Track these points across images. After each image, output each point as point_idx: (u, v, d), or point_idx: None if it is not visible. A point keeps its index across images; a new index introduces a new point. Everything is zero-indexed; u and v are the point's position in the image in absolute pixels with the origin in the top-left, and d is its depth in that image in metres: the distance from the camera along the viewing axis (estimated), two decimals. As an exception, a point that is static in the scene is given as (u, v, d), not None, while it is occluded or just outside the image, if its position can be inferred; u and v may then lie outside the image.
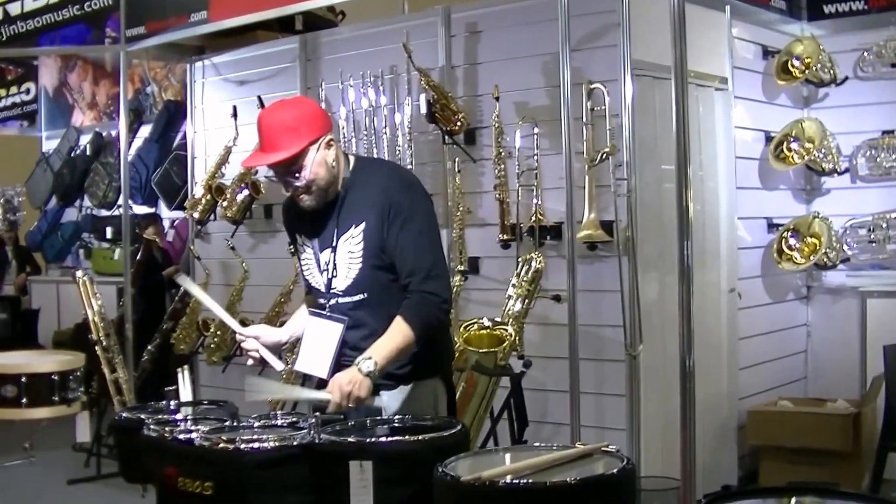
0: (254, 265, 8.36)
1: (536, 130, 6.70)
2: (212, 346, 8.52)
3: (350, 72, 7.61)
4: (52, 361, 6.03)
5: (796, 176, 8.05)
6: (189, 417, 4.33)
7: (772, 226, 7.83)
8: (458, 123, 6.92)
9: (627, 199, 6.32)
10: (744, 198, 7.57)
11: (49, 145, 12.90)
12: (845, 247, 7.72)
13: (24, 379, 5.72)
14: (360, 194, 4.31)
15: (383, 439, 3.79)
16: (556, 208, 6.65)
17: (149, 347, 8.69)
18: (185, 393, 4.76)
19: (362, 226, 4.26)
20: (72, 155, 12.16)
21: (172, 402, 4.69)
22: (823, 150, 7.62)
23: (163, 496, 3.96)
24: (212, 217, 8.57)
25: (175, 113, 11.01)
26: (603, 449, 3.57)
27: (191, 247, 8.84)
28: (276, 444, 3.72)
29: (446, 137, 6.99)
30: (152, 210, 10.76)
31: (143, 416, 4.43)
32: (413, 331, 4.12)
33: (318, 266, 4.42)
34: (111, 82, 12.48)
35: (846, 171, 7.79)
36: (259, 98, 8.04)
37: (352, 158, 4.46)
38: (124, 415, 4.58)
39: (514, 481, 3.24)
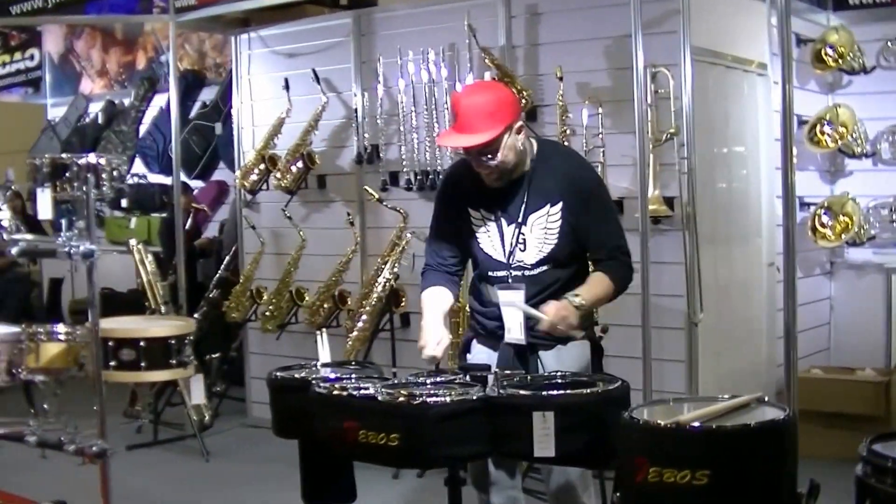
0: (308, 235, 8.56)
1: (601, 110, 7.04)
2: (266, 314, 8.70)
3: (407, 49, 7.88)
4: (168, 326, 6.25)
5: (822, 158, 8.48)
6: (355, 376, 4.67)
7: (803, 204, 8.26)
8: (524, 101, 7.21)
9: (688, 177, 6.69)
10: (779, 178, 7.96)
11: (54, 112, 12.97)
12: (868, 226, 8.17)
13: (142, 343, 5.92)
14: (549, 175, 4.66)
15: (562, 392, 4.16)
16: (617, 184, 7.00)
17: (195, 316, 8.79)
18: (325, 354, 5.05)
19: (559, 205, 4.63)
20: (80, 123, 12.23)
21: (318, 363, 5.00)
22: (854, 135, 8.03)
23: (340, 447, 4.29)
24: (264, 187, 8.78)
25: (193, 82, 11.22)
26: (757, 399, 3.96)
27: (244, 216, 9.03)
28: (457, 398, 4.06)
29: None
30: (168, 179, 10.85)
31: (297, 376, 4.86)
32: (615, 285, 4.61)
33: (503, 239, 4.72)
34: (122, 50, 12.61)
35: (872, 154, 8.21)
36: (314, 71, 8.34)
37: (534, 141, 4.80)
38: (279, 374, 4.92)
39: (708, 424, 3.62)
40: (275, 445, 8.24)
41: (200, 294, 9.46)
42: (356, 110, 8.28)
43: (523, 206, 4.65)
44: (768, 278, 7.81)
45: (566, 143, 7.05)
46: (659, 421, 3.68)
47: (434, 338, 4.68)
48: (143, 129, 11.67)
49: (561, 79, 7.10)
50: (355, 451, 4.24)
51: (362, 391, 4.24)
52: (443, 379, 4.42)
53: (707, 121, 7.04)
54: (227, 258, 9.46)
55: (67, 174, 5.37)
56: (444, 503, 4.43)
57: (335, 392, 4.29)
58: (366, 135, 8.26)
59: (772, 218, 7.82)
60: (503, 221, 4.71)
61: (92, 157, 5.39)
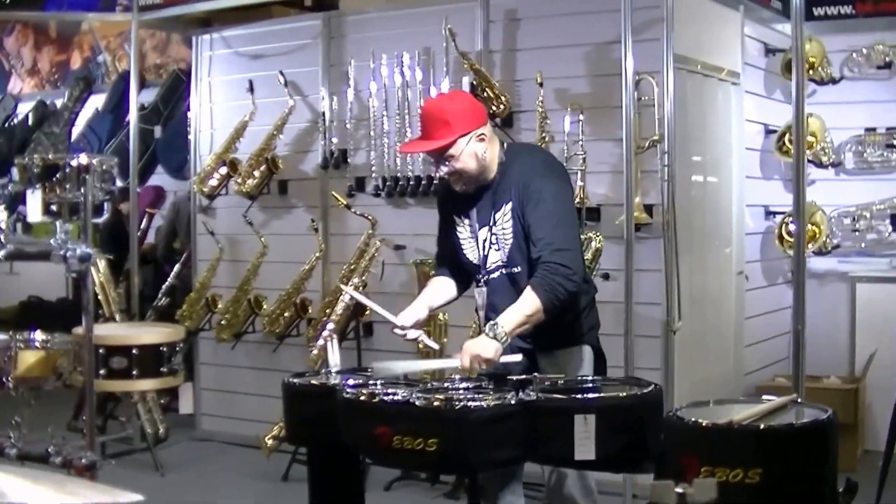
0: (267, 242, 8.44)
1: (581, 117, 7.02)
2: (222, 322, 8.55)
3: (381, 52, 7.79)
4: (158, 333, 6.12)
5: (785, 167, 8.54)
6: (380, 382, 4.58)
7: (769, 213, 8.35)
8: (502, 107, 7.19)
9: (668, 185, 6.69)
10: (750, 187, 8.08)
11: (-22, 113, 12.65)
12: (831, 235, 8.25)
13: (135, 351, 5.77)
14: (509, 176, 4.72)
15: (602, 395, 4.18)
16: (595, 191, 7.01)
17: (143, 324, 8.61)
18: (334, 360, 4.95)
19: (510, 205, 4.69)
20: (8, 124, 11.92)
21: (331, 369, 4.91)
22: (822, 145, 8.10)
23: (372, 453, 4.32)
24: (223, 191, 8.64)
25: (134, 83, 11.00)
26: (792, 400, 4.05)
27: (203, 221, 8.87)
28: (495, 402, 4.04)
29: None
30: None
31: (314, 382, 4.78)
32: (540, 300, 4.47)
33: (477, 242, 4.82)
34: (56, 49, 12.33)
35: (836, 164, 8.29)
36: (281, 73, 8.20)
37: (505, 145, 4.87)
38: (295, 381, 4.82)
39: (761, 424, 3.68)
40: (228, 459, 8.25)
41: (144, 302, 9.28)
42: (323, 114, 8.16)
43: (492, 209, 4.75)
44: (737, 287, 7.84)
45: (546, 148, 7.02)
46: (713, 421, 3.72)
47: (409, 320, 4.86)
48: (75, 131, 11.35)
49: (541, 84, 7.07)
50: (389, 456, 4.22)
51: (393, 396, 4.20)
52: (469, 384, 4.41)
53: (685, 128, 7.04)
54: (178, 265, 9.26)
55: (58, 175, 5.20)
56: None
57: (363, 398, 4.24)
58: (333, 139, 8.13)
59: (741, 226, 7.89)
60: (477, 226, 4.82)
61: (84, 158, 5.24)
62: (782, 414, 3.88)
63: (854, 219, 8.23)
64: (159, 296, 9.18)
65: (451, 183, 4.77)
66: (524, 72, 7.36)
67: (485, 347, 4.41)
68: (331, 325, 7.78)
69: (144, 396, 7.87)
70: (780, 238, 8.16)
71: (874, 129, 8.37)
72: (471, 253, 4.87)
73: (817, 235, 8.00)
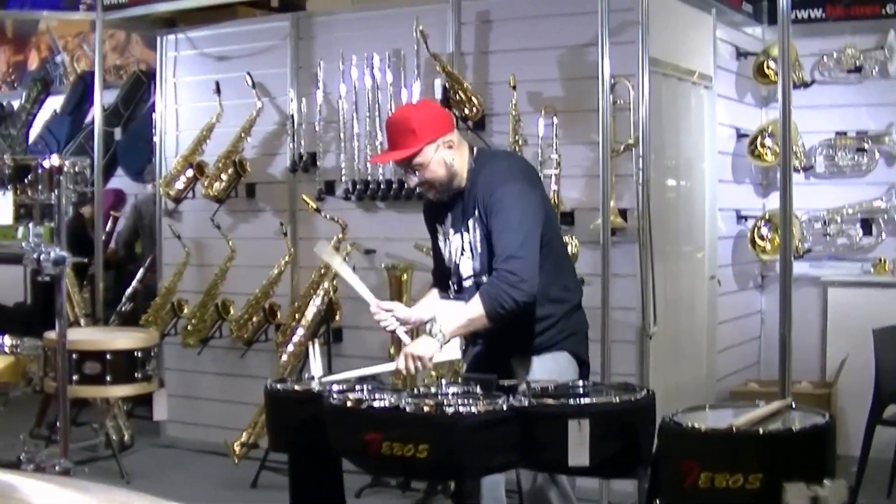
0: (234, 246, 8.33)
1: (555, 120, 6.97)
2: (188, 328, 8.44)
3: (350, 53, 7.70)
4: (132, 338, 6.00)
5: (756, 171, 8.56)
6: (367, 387, 4.51)
7: (740, 217, 8.34)
8: (474, 109, 7.13)
9: (643, 189, 6.64)
10: (722, 191, 8.07)
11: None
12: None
13: (108, 356, 5.65)
14: (477, 184, 4.72)
15: (596, 400, 4.12)
16: (569, 196, 6.97)
17: (107, 330, 8.43)
18: (316, 366, 4.88)
19: (477, 212, 4.69)
20: (-38, 127, 11.76)
21: (314, 375, 4.83)
22: (795, 149, 8.08)
23: (362, 460, 4.21)
24: (190, 195, 8.53)
25: (92, 84, 10.84)
26: (787, 405, 4.04)
27: (169, 224, 8.74)
28: (487, 407, 3.97)
29: (460, 122, 7.18)
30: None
31: (296, 388, 4.73)
32: (483, 306, 4.49)
33: (451, 250, 4.85)
34: (12, 49, 12.15)
35: (809, 168, 8.29)
36: (249, 75, 8.10)
37: (475, 151, 4.87)
38: (278, 386, 4.75)
39: (762, 429, 3.67)
40: (195, 466, 8.15)
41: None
42: (291, 116, 8.07)
43: (462, 216, 4.77)
44: (709, 291, 7.81)
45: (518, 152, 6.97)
46: (711, 426, 3.72)
47: (390, 305, 4.95)
48: (33, 132, 11.18)
49: (514, 87, 7.01)
50: (379, 463, 4.18)
51: (381, 402, 4.12)
52: (456, 389, 4.31)
53: (660, 132, 7.01)
54: (142, 270, 9.14)
55: (30, 177, 5.09)
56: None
57: (350, 404, 4.17)
58: (301, 142, 8.04)
59: (714, 231, 7.86)
60: (451, 232, 4.85)
61: (55, 159, 5.13)
62: (779, 419, 3.86)
63: (825, 223, 8.23)
64: (123, 300, 9.07)
65: (424, 192, 4.85)
66: (497, 74, 7.30)
67: (420, 346, 4.49)
68: (301, 331, 7.70)
69: (117, 403, 7.76)
70: (753, 242, 8.12)
71: (845, 133, 8.38)
72: (448, 260, 4.90)
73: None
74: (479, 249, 4.70)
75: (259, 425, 7.69)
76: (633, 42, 6.64)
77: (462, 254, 4.76)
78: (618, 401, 4.09)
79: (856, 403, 7.20)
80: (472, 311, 4.51)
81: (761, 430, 3.65)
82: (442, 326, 4.49)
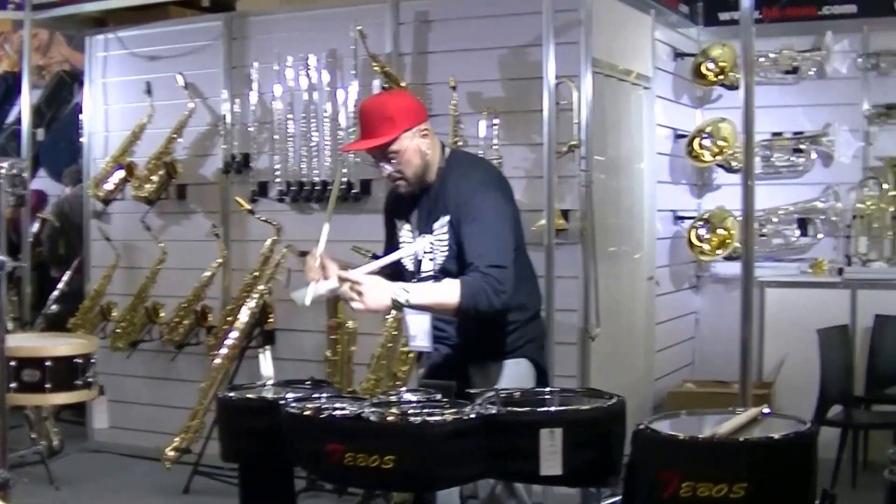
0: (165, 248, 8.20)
1: (496, 121, 6.90)
2: (117, 331, 8.29)
3: (286, 54, 7.60)
4: (72, 344, 5.84)
5: (691, 171, 8.56)
6: (325, 395, 4.37)
7: (677, 218, 8.33)
8: (415, 110, 7.03)
9: (586, 190, 6.60)
10: (660, 192, 8.07)
11: None
12: (738, 240, 8.25)
13: (48, 363, 5.49)
14: (448, 186, 4.60)
15: (567, 408, 4.02)
16: (510, 198, 6.91)
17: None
18: (268, 371, 4.78)
19: (447, 217, 4.57)
20: None
21: (267, 382, 4.72)
22: (733, 150, 8.09)
23: (323, 471, 4.08)
24: (119, 196, 8.39)
25: (14, 85, 10.63)
26: (763, 412, 3.91)
27: (98, 226, 8.59)
28: (455, 416, 3.83)
29: (399, 124, 7.10)
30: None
31: (249, 396, 4.57)
32: (459, 299, 4.34)
33: (414, 248, 4.71)
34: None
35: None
36: (182, 75, 7.97)
37: (447, 150, 4.77)
38: (231, 395, 4.59)
39: (746, 437, 3.58)
40: (125, 471, 8.01)
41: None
42: (224, 117, 7.95)
43: (429, 216, 4.65)
44: (647, 292, 7.80)
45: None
46: (691, 435, 3.61)
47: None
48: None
49: (454, 88, 6.94)
50: (341, 474, 4.02)
51: (341, 410, 3.96)
52: (417, 396, 4.18)
53: (602, 133, 6.97)
54: (68, 272, 8.95)
55: (-36, 179, 4.93)
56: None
57: (308, 412, 4.01)
58: (234, 143, 7.92)
59: (652, 232, 7.85)
60: (416, 232, 4.74)
61: (-6, 162, 4.98)
62: (758, 426, 3.77)
63: (761, 224, 8.24)
64: (49, 303, 8.87)
65: (396, 184, 4.65)
66: (436, 75, 7.23)
67: (380, 298, 4.31)
68: (234, 334, 7.57)
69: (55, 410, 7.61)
70: (691, 243, 8.11)
71: (781, 134, 8.43)
72: (407, 260, 4.75)
73: (728, 241, 7.97)
74: (444, 253, 4.59)
75: (192, 430, 7.58)
76: (574, 42, 6.60)
77: (426, 254, 4.64)
78: (590, 408, 3.98)
79: (794, 403, 7.20)
80: (447, 295, 4.35)
81: (748, 439, 3.56)
82: (410, 295, 4.33)
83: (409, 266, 4.73)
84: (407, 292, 4.32)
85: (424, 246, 4.65)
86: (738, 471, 3.39)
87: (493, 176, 4.83)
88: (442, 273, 4.57)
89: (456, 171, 4.65)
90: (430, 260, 4.63)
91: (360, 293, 4.28)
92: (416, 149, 4.55)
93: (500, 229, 4.54)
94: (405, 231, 4.77)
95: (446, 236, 4.56)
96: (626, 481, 3.75)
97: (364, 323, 7.19)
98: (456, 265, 4.55)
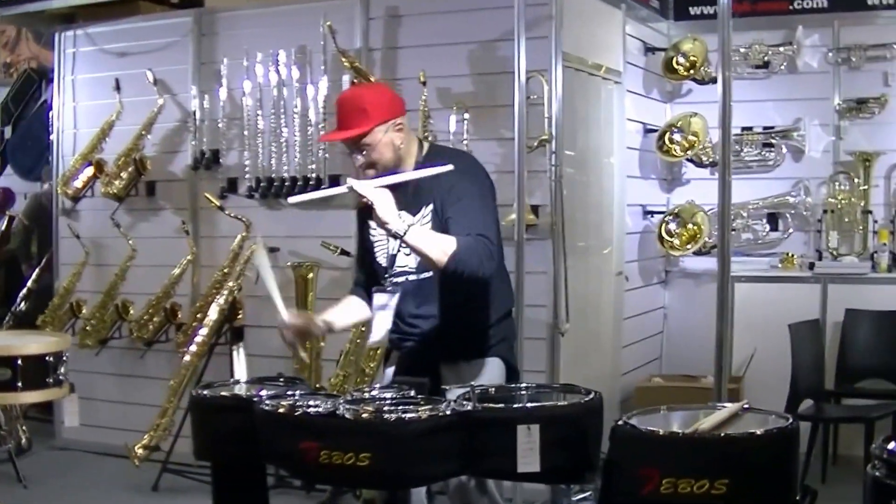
0: (134, 245, 8.16)
1: (466, 116, 6.89)
2: (86, 328, 8.26)
3: (255, 50, 7.57)
4: (43, 342, 5.78)
5: (661, 166, 8.57)
6: (299, 392, 4.32)
7: (647, 213, 8.34)
8: (383, 106, 7.02)
9: (555, 185, 6.60)
10: (630, 187, 8.08)
11: None
12: (708, 235, 8.26)
13: (19, 361, 5.43)
14: (431, 178, 4.50)
15: (544, 404, 4.02)
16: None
17: (-2, 332, 8.23)
18: (241, 369, 4.75)
19: (430, 206, 4.53)
20: None
21: (240, 379, 4.69)
22: (703, 144, 8.09)
23: (298, 470, 4.08)
24: (88, 193, 8.36)
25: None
26: (744, 407, 3.90)
27: (67, 224, 8.53)
28: (431, 413, 3.80)
29: (368, 119, 7.08)
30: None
31: (223, 394, 4.53)
32: (455, 249, 4.24)
33: (388, 246, 4.66)
34: None
35: (716, 164, 8.30)
36: (151, 71, 7.94)
37: (426, 145, 4.75)
38: (204, 392, 4.53)
39: (728, 433, 3.55)
40: (94, 469, 7.98)
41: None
42: (194, 113, 7.92)
43: (406, 209, 4.53)
44: (616, 287, 7.80)
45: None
46: (672, 431, 3.60)
47: (302, 322, 4.71)
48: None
49: (424, 83, 6.92)
50: (316, 472, 3.98)
51: (316, 408, 3.93)
52: (392, 394, 4.13)
53: (572, 128, 6.97)
54: (37, 269, 8.91)
55: None
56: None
57: (283, 410, 3.97)
58: (204, 139, 7.90)
59: (622, 226, 7.86)
60: None
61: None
62: (739, 421, 3.76)
63: (731, 218, 8.24)
64: (18, 300, 8.82)
65: (364, 175, 4.56)
66: (406, 70, 7.20)
67: (388, 212, 4.22)
68: (203, 331, 7.55)
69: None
70: (661, 238, 8.12)
71: (751, 129, 8.43)
72: (381, 256, 4.70)
73: (698, 236, 7.98)
74: None
75: (161, 427, 7.56)
76: (545, 37, 6.62)
77: (402, 248, 4.56)
78: (566, 404, 3.98)
79: (763, 398, 7.15)
80: (441, 245, 4.26)
81: (730, 435, 3.54)
82: (410, 231, 4.24)
83: (383, 262, 4.67)
84: (408, 227, 4.25)
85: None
86: (720, 467, 3.38)
87: (479, 166, 4.79)
88: (420, 268, 4.54)
89: (440, 161, 4.55)
90: (406, 255, 4.57)
91: (373, 202, 4.23)
92: (389, 142, 4.52)
93: (487, 208, 4.55)
94: (376, 231, 4.68)
95: (429, 225, 4.50)
96: (603, 478, 3.71)
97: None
98: None
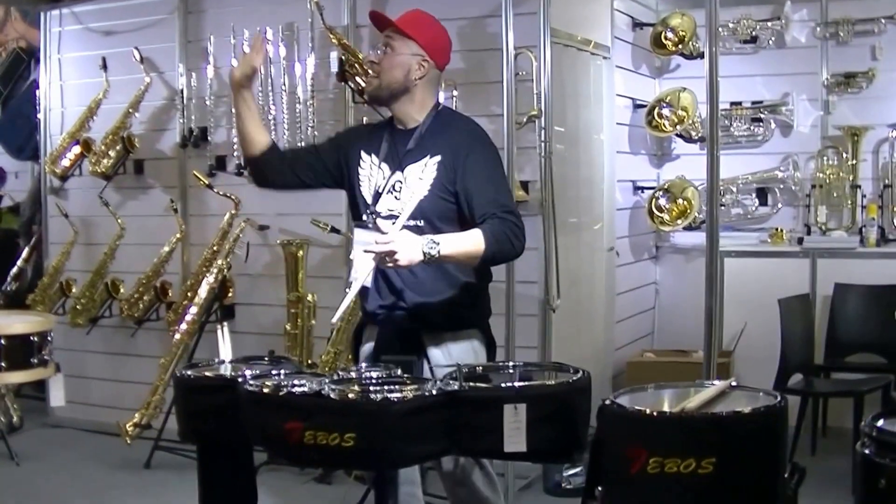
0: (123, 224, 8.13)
1: (455, 93, 6.87)
2: (77, 307, 8.26)
3: (242, 27, 7.51)
4: (27, 322, 5.76)
5: (651, 141, 8.57)
6: (284, 372, 4.29)
7: (637, 188, 8.34)
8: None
9: (545, 161, 6.59)
10: (620, 162, 8.09)
11: None
12: (698, 210, 8.27)
13: (2, 341, 5.41)
14: (440, 133, 4.53)
15: (531, 383, 3.99)
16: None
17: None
18: (225, 349, 4.70)
19: (438, 158, 4.46)
20: None
21: (225, 359, 4.65)
22: (692, 119, 8.08)
23: (282, 450, 3.97)
24: (77, 172, 8.34)
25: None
26: (731, 385, 3.86)
27: (56, 202, 8.51)
28: (416, 393, 3.77)
29: (356, 96, 7.06)
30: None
31: (207, 374, 4.47)
32: (486, 244, 4.22)
33: (377, 181, 4.60)
34: None
35: (705, 139, 8.30)
36: (137, 49, 7.92)
37: (440, 104, 4.72)
38: (188, 373, 4.48)
39: (715, 412, 3.50)
40: (86, 447, 7.97)
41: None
42: (181, 91, 7.90)
43: (406, 154, 4.54)
44: (607, 263, 7.80)
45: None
46: (659, 410, 3.56)
47: None
48: None
49: (414, 59, 6.89)
50: (300, 453, 3.88)
51: (301, 388, 3.89)
52: (378, 373, 4.08)
53: (560, 104, 6.95)
54: (27, 248, 8.88)
55: None
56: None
57: (267, 390, 3.91)
58: (192, 117, 7.89)
59: (612, 202, 7.86)
60: (385, 167, 4.60)
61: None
62: (726, 399, 3.72)
63: (720, 193, 8.24)
64: (8, 280, 8.81)
65: (367, 80, 4.65)
66: (393, 47, 7.14)
67: (412, 253, 4.11)
68: (193, 309, 7.55)
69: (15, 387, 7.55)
70: (651, 214, 8.12)
71: (740, 104, 8.43)
72: (366, 191, 4.63)
73: (688, 211, 7.98)
74: (423, 194, 4.46)
75: (152, 405, 7.56)
76: (533, 13, 6.55)
77: (392, 192, 4.53)
78: (554, 383, 3.95)
79: (754, 372, 7.25)
80: (473, 243, 4.22)
81: (718, 413, 3.49)
82: (441, 246, 4.14)
83: (367, 196, 4.61)
84: (437, 244, 4.14)
85: (389, 182, 4.56)
86: (707, 446, 3.33)
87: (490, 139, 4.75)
88: (417, 213, 4.42)
89: (452, 121, 4.64)
90: (396, 200, 4.52)
91: (393, 253, 4.10)
92: (407, 65, 4.50)
93: (504, 178, 4.59)
94: (367, 164, 4.64)
95: (432, 177, 4.45)
96: (591, 457, 3.69)
97: (323, 296, 7.19)
98: (434, 210, 4.46)
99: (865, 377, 7.41)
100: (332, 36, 7.04)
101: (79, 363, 8.41)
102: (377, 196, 4.58)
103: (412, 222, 4.41)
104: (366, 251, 4.20)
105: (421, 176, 4.47)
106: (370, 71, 4.61)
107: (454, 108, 6.80)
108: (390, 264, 4.14)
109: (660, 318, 8.82)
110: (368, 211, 4.58)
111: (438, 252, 4.14)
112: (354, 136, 4.87)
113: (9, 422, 7.87)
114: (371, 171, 4.63)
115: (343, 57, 7.00)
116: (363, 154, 4.67)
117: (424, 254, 4.12)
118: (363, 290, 4.59)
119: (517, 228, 4.33)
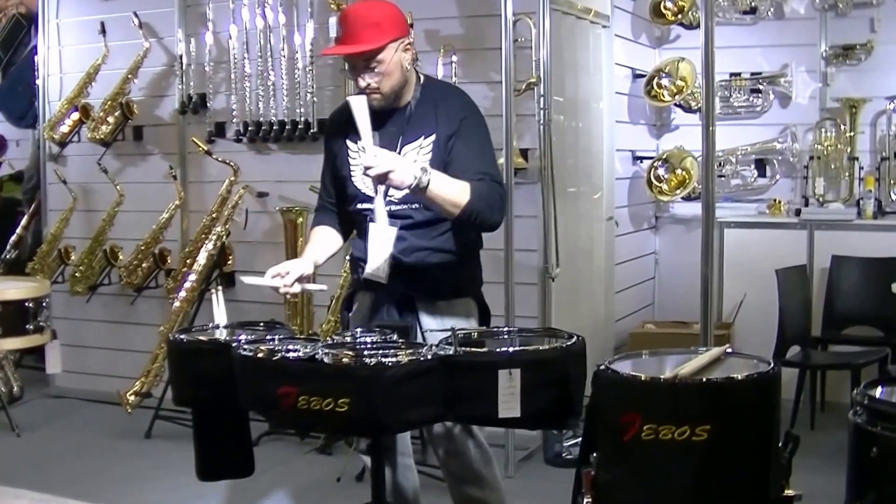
0: (122, 190, 8.12)
1: (454, 59, 6.86)
2: (76, 275, 8.24)
3: (240, -8, 7.51)
4: (23, 288, 5.74)
5: (650, 111, 8.55)
6: (278, 337, 4.24)
7: (636, 158, 8.32)
8: (371, 49, 6.97)
9: (544, 129, 6.57)
10: (619, 132, 8.08)
11: None
12: (698, 180, 8.25)
13: (-2, 307, 5.40)
14: (430, 109, 4.41)
15: (526, 348, 3.95)
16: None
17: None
18: (220, 314, 4.67)
19: (432, 137, 4.37)
20: None
21: (220, 324, 4.63)
22: (692, 90, 8.06)
23: (276, 415, 3.98)
24: (75, 138, 8.32)
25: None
26: (727, 351, 3.83)
27: (54, 169, 8.48)
28: (411, 358, 3.74)
29: (355, 62, 7.04)
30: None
31: (202, 339, 4.45)
32: (470, 198, 4.16)
33: None
34: None
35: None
36: (136, 14, 7.89)
37: (421, 76, 4.54)
38: (182, 337, 4.45)
39: (709, 378, 3.46)
40: (86, 416, 7.97)
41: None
42: (180, 57, 7.87)
43: (401, 137, 4.41)
44: (607, 233, 7.80)
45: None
46: (653, 376, 3.51)
47: (278, 268, 4.45)
48: None
49: (412, 25, 6.83)
50: (294, 418, 3.90)
51: (295, 353, 3.86)
52: (373, 337, 4.06)
53: (560, 71, 6.93)
54: (26, 216, 8.88)
55: None
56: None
57: (261, 355, 3.90)
58: (191, 83, 7.87)
59: (611, 171, 7.85)
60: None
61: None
62: (720, 366, 3.69)
63: (720, 164, 8.24)
64: (7, 248, 8.80)
65: (370, 97, 4.30)
66: (392, 13, 7.12)
67: (404, 172, 4.03)
68: (192, 277, 7.54)
69: (5, 354, 7.53)
70: (650, 183, 8.11)
71: (739, 74, 8.42)
72: (361, 182, 4.49)
73: (687, 181, 7.97)
74: None
75: (152, 374, 7.57)
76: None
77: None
78: (548, 348, 3.92)
79: (753, 343, 7.23)
80: (459, 191, 4.15)
81: (713, 379, 3.45)
82: (431, 177, 4.06)
83: (365, 190, 4.45)
84: (428, 174, 4.06)
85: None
86: (701, 412, 3.32)
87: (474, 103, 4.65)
88: (408, 198, 4.33)
89: (438, 94, 4.49)
90: None
91: (387, 172, 4.01)
92: (399, 62, 4.31)
93: (492, 149, 4.49)
94: (356, 152, 4.49)
95: (427, 157, 4.34)
96: (586, 423, 3.68)
97: (323, 265, 7.13)
98: None
99: (862, 350, 7.42)
100: (331, 2, 7.02)
101: (79, 332, 8.43)
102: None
103: (406, 206, 4.39)
104: (365, 169, 4.08)
105: (416, 158, 4.35)
106: (375, 95, 4.32)
107: (444, 78, 6.79)
108: (379, 181, 4.06)
109: (660, 288, 8.82)
110: (357, 207, 4.50)
111: (428, 182, 4.05)
112: (335, 132, 4.66)
113: (9, 392, 7.84)
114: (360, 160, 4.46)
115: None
116: (350, 144, 4.55)
117: (415, 177, 4.03)
118: (358, 259, 4.58)
119: (500, 200, 4.30)
